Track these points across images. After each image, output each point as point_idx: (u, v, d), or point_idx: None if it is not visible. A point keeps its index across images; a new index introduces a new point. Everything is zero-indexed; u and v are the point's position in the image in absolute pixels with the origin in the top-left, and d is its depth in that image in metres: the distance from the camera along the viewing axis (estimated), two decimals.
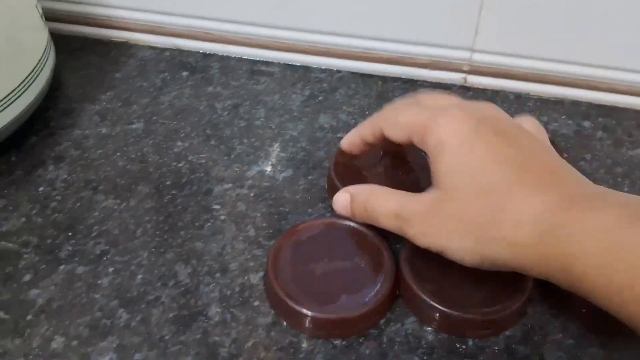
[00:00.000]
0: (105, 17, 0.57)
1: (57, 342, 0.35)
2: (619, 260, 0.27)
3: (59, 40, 0.56)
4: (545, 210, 0.31)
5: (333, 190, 0.43)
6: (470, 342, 0.35)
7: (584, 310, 0.36)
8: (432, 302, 0.35)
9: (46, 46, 0.49)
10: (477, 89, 0.53)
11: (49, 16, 0.56)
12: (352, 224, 0.39)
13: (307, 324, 0.35)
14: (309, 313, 0.35)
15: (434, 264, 0.37)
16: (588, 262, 0.28)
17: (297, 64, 0.55)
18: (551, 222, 0.30)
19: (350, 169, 0.43)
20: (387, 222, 0.36)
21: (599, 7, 0.46)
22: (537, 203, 0.31)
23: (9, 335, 0.35)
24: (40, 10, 0.50)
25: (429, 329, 0.36)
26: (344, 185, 0.41)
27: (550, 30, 0.48)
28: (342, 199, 0.39)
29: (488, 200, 0.32)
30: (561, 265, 0.30)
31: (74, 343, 0.35)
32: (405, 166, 0.44)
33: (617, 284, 0.27)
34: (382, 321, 0.36)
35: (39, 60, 0.47)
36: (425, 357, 0.35)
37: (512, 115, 0.37)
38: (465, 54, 0.52)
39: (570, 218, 0.30)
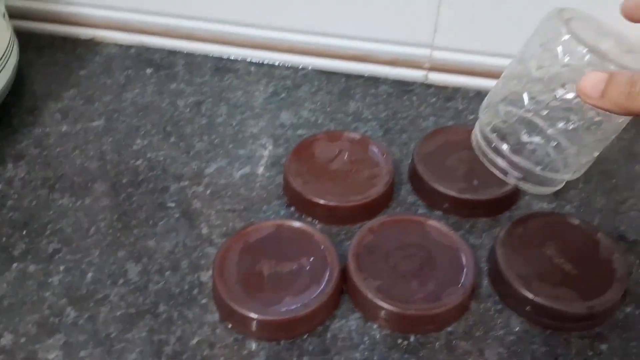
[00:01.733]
0: (72, 14, 0.57)
1: (6, 339, 0.36)
2: None
3: (27, 38, 0.56)
4: None
5: (287, 188, 0.43)
6: (412, 338, 0.36)
7: (527, 308, 0.37)
8: (375, 299, 0.36)
9: (8, 44, 0.49)
10: (438, 85, 0.53)
11: (17, 14, 0.56)
12: (300, 225, 0.39)
13: (252, 327, 0.35)
14: (254, 316, 0.35)
15: (379, 262, 0.38)
16: None
17: (263, 61, 0.56)
18: None
19: (306, 166, 0.44)
20: None
21: (558, 3, 0.46)
22: None
23: None
24: (3, 9, 0.50)
25: (373, 325, 0.36)
26: (298, 182, 0.42)
27: (509, 26, 0.49)
28: (595, 78, 0.33)
29: None
30: None
31: (22, 340, 0.35)
32: (362, 163, 0.44)
33: None
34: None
35: (0, 58, 0.48)
36: (366, 353, 0.35)
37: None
38: (425, 52, 0.52)
39: None
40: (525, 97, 0.39)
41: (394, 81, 0.54)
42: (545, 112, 0.39)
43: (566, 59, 0.37)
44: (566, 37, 0.37)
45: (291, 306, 0.35)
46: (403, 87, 0.53)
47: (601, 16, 0.41)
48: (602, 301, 0.36)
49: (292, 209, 0.43)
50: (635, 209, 0.44)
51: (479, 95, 0.52)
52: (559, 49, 0.37)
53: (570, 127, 0.38)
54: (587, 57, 0.36)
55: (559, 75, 0.38)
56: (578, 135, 0.39)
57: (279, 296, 0.36)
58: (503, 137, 0.41)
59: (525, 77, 0.39)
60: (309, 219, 0.42)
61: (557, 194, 0.44)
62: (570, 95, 0.38)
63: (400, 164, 0.46)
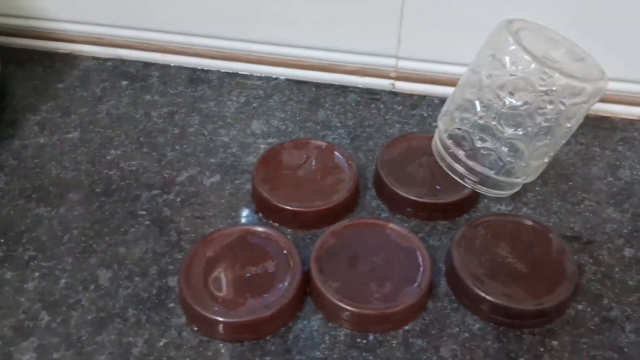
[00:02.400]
0: (50, 30, 0.59)
1: None
2: None
3: (8, 53, 0.58)
4: None
5: (255, 195, 0.45)
6: (371, 337, 0.37)
7: (481, 307, 0.38)
8: (335, 300, 0.37)
9: None
10: (405, 94, 0.55)
11: None
12: (265, 230, 0.41)
13: (217, 329, 0.37)
14: (218, 318, 0.36)
15: (340, 264, 0.39)
16: None
17: (235, 71, 0.57)
18: None
19: (274, 173, 0.45)
20: None
21: (516, 13, 0.48)
22: None
23: None
24: None
25: (334, 325, 0.38)
26: (264, 189, 0.43)
27: (469, 36, 0.50)
28: None
29: None
30: None
31: None
32: (327, 170, 0.46)
33: None
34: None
35: None
36: (326, 352, 0.37)
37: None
38: (391, 61, 0.53)
39: None
40: (477, 104, 0.41)
41: (362, 90, 0.55)
42: (496, 119, 0.41)
43: (513, 68, 0.39)
44: (513, 47, 0.39)
45: (253, 308, 0.37)
46: (370, 95, 0.55)
47: (554, 26, 0.43)
48: (552, 299, 0.38)
49: (260, 215, 0.44)
50: (589, 210, 0.45)
51: (443, 102, 0.54)
52: (507, 58, 0.39)
53: (520, 133, 0.40)
54: (532, 65, 0.38)
55: (508, 83, 0.40)
56: (528, 140, 0.41)
57: (242, 299, 0.37)
58: (459, 143, 0.43)
59: (477, 85, 0.41)
60: (276, 224, 0.44)
61: (514, 196, 0.46)
62: (518, 102, 0.40)
63: (366, 170, 0.48)
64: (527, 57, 0.38)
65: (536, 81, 0.38)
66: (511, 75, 0.39)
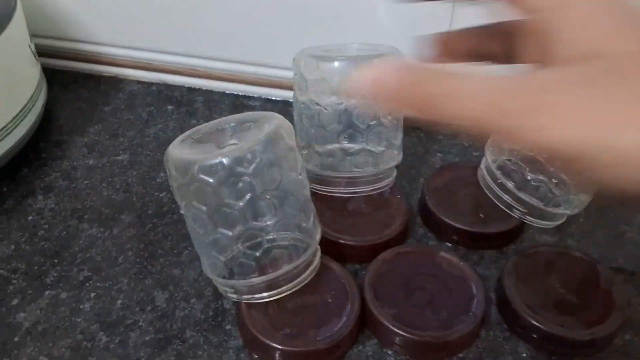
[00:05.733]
0: (96, 53, 0.60)
1: None
2: None
3: (53, 75, 0.60)
4: None
5: None
6: None
7: (534, 336, 0.39)
8: (391, 326, 0.38)
9: (38, 82, 0.52)
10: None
11: (44, 53, 0.59)
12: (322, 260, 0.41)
13: (275, 357, 0.37)
14: (278, 346, 0.37)
15: (394, 291, 0.40)
16: None
17: (277, 98, 0.59)
18: None
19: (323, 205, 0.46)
20: (476, 106, 0.21)
21: None
22: None
23: None
24: (33, 48, 0.53)
25: (389, 351, 0.39)
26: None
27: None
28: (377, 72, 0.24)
29: None
30: None
31: None
32: (378, 203, 0.46)
33: None
34: None
35: (32, 95, 0.51)
36: None
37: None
38: None
39: None
40: None
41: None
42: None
43: None
44: None
45: (314, 338, 0.37)
46: (411, 124, 0.56)
47: None
48: (603, 329, 0.38)
49: None
50: (632, 242, 0.46)
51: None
52: None
53: None
54: None
55: None
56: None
57: (303, 328, 0.38)
58: (508, 175, 0.44)
59: None
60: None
61: (559, 228, 0.46)
62: None
63: (410, 198, 0.49)
64: None
65: None
66: None
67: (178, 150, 0.37)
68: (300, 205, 0.38)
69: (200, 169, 0.35)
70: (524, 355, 0.39)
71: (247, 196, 0.36)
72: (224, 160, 0.34)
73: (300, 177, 0.38)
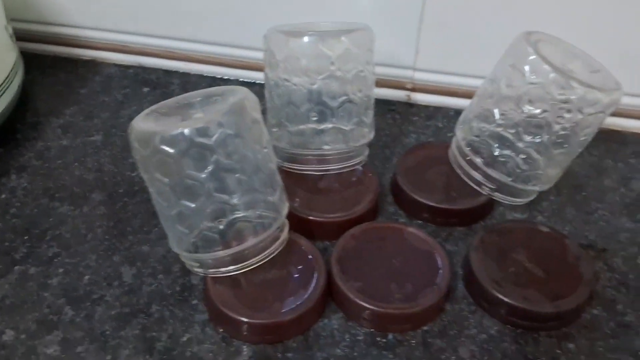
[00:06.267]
0: (73, 36, 0.60)
1: (8, 335, 0.38)
2: None
3: (32, 58, 0.60)
4: None
5: None
6: (390, 336, 0.38)
7: (500, 310, 0.39)
8: (356, 299, 0.38)
9: (14, 65, 0.52)
10: (420, 105, 0.56)
11: (23, 37, 0.60)
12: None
13: (240, 330, 0.37)
14: (243, 319, 0.37)
15: (361, 265, 0.40)
16: None
17: (254, 80, 0.59)
18: None
19: (294, 184, 0.46)
20: None
21: (532, 27, 0.50)
22: None
23: None
24: (10, 31, 0.53)
25: (354, 324, 0.39)
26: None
27: (484, 49, 0.52)
28: None
29: None
30: None
31: (23, 336, 0.37)
32: (349, 182, 0.47)
33: None
34: None
35: (6, 77, 0.51)
36: (347, 350, 0.37)
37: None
38: (407, 73, 0.55)
39: None
40: (497, 113, 0.42)
41: (378, 100, 0.56)
42: (514, 127, 0.42)
43: (532, 78, 0.40)
44: (532, 57, 0.40)
45: (279, 310, 0.37)
46: (387, 106, 0.56)
47: (572, 40, 0.44)
48: (569, 302, 0.38)
49: None
50: (603, 220, 0.46)
51: (458, 114, 0.55)
52: (527, 68, 0.40)
53: (538, 141, 0.41)
54: (551, 75, 0.39)
55: (527, 92, 0.41)
56: (546, 148, 0.42)
57: (268, 301, 0.38)
58: (477, 151, 0.44)
59: (497, 95, 0.43)
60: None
61: (529, 205, 0.47)
62: (536, 111, 0.41)
63: (382, 177, 0.49)
64: (546, 66, 0.39)
65: (555, 90, 0.39)
66: (530, 84, 0.40)
67: (142, 123, 0.37)
68: (266, 179, 0.38)
69: (161, 140, 0.35)
70: (490, 329, 0.39)
71: (210, 168, 0.36)
72: (185, 131, 0.35)
73: (265, 150, 0.38)
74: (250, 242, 0.38)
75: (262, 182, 0.38)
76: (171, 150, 0.35)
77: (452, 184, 0.46)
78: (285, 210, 0.40)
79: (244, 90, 0.38)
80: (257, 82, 0.59)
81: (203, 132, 0.35)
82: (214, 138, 0.35)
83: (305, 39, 0.43)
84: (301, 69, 0.43)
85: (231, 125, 0.36)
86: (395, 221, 0.45)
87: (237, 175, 0.37)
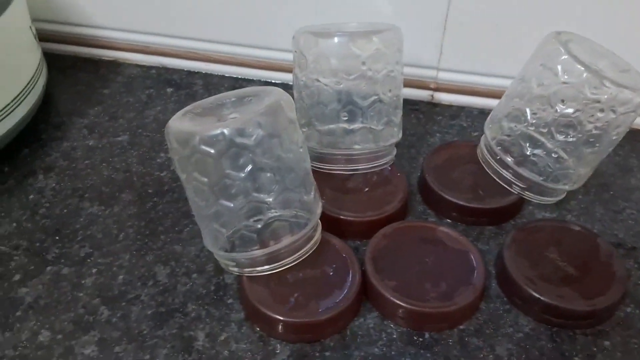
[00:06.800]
0: (95, 37, 0.60)
1: (44, 336, 0.38)
2: None
3: (52, 59, 0.60)
4: None
5: None
6: (427, 335, 0.38)
7: (534, 308, 0.39)
8: (392, 298, 0.38)
9: (39, 65, 0.52)
10: (444, 105, 0.56)
11: (44, 37, 0.60)
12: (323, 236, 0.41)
13: (278, 329, 0.37)
14: (280, 318, 0.37)
15: (394, 264, 0.40)
16: None
17: (276, 81, 0.59)
18: None
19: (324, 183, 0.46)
20: None
21: (557, 27, 0.50)
22: None
23: (0, 329, 0.38)
24: (34, 31, 0.53)
25: (390, 323, 0.39)
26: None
27: (508, 49, 0.52)
28: None
29: None
30: None
31: (59, 337, 0.37)
32: (377, 182, 0.47)
33: None
34: None
35: (32, 77, 0.51)
36: (384, 349, 0.37)
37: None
38: (431, 73, 0.55)
39: None
40: (528, 112, 0.43)
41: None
42: (546, 127, 0.42)
43: (565, 77, 0.40)
44: (565, 56, 0.40)
45: (318, 309, 0.37)
46: (411, 106, 0.56)
47: (597, 39, 0.45)
48: (604, 300, 0.39)
49: None
50: (632, 218, 0.46)
51: (482, 113, 0.55)
52: (559, 67, 0.41)
53: (570, 140, 0.42)
54: (585, 75, 0.39)
55: (559, 92, 0.41)
56: (577, 148, 0.42)
57: (304, 301, 0.38)
58: (507, 151, 0.44)
59: (527, 94, 0.43)
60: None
61: (558, 204, 0.47)
62: (569, 110, 0.41)
63: (410, 177, 0.49)
64: (579, 66, 0.40)
65: (588, 90, 0.40)
66: (563, 84, 0.40)
67: (179, 123, 0.37)
68: (301, 179, 0.38)
69: (201, 140, 0.35)
70: (525, 327, 0.39)
71: (249, 167, 0.36)
72: (225, 131, 0.35)
73: (300, 150, 0.38)
74: (286, 241, 0.38)
75: (297, 182, 0.38)
76: (211, 151, 0.35)
77: (480, 183, 0.46)
78: (319, 209, 0.40)
79: (279, 90, 0.39)
80: (279, 82, 0.59)
81: (242, 132, 0.35)
82: (253, 138, 0.35)
83: (336, 39, 0.43)
84: (331, 69, 0.43)
85: (268, 125, 0.36)
86: (425, 220, 0.45)
87: (273, 174, 0.37)
